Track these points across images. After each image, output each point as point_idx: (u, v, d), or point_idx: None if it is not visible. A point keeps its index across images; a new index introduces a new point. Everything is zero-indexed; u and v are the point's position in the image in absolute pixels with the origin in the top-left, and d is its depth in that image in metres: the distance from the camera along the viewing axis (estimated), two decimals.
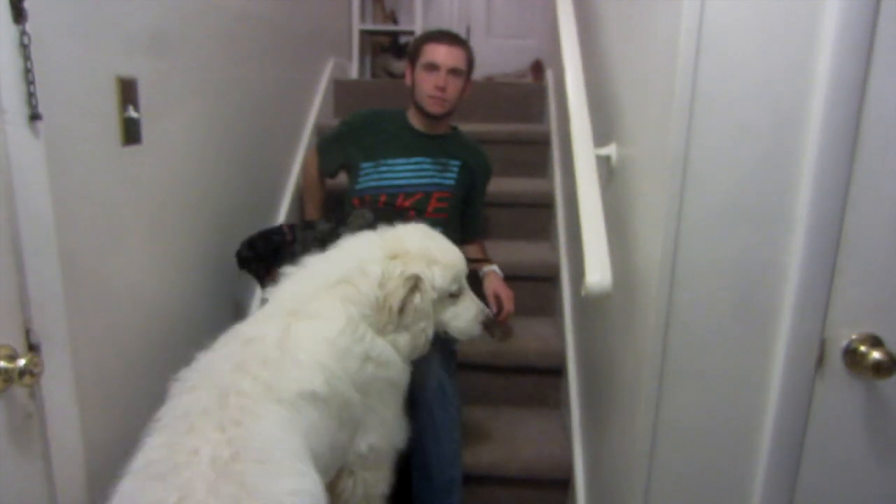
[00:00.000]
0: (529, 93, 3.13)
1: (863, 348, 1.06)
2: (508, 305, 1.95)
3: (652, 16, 1.24)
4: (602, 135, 1.56)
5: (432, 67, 1.93)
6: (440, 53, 1.92)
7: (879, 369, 1.03)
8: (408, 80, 2.03)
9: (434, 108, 1.98)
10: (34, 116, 0.96)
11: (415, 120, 2.08)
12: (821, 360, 1.10)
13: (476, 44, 2.12)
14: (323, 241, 1.75)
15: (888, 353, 1.04)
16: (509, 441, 1.91)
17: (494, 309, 1.96)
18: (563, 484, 1.85)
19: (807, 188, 1.05)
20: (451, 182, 2.06)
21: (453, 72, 1.94)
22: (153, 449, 1.00)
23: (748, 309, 1.12)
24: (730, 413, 1.17)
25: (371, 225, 1.81)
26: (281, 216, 2.38)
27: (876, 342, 1.06)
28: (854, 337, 1.08)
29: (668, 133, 1.08)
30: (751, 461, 1.18)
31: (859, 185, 1.03)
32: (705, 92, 1.05)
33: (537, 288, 2.30)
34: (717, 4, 1.02)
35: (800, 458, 1.14)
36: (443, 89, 1.94)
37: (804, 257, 1.06)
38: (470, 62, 1.99)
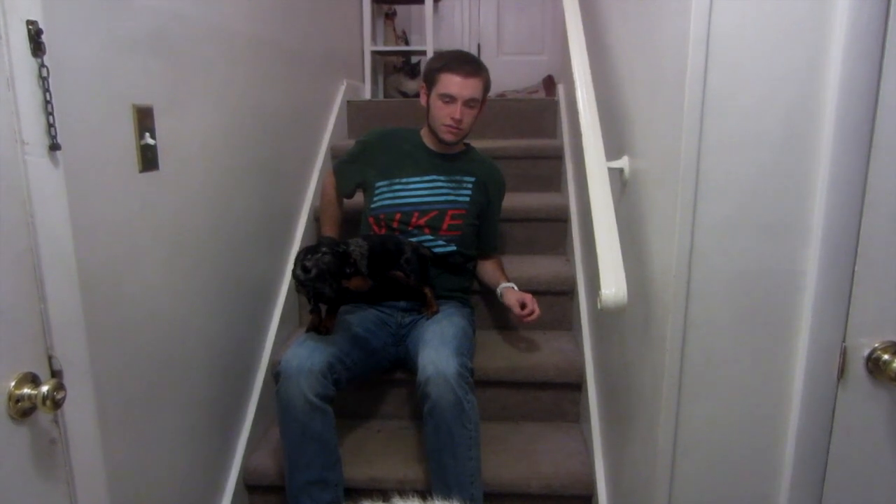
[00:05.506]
0: (542, 108, 3.13)
1: (886, 356, 1.05)
2: (532, 305, 1.95)
3: (660, 28, 1.24)
4: (614, 148, 1.56)
5: (448, 98, 1.93)
6: (456, 85, 1.91)
7: None
8: (422, 102, 2.04)
9: (448, 137, 1.99)
10: (54, 147, 0.98)
11: (428, 139, 2.09)
12: (843, 370, 1.09)
13: (487, 61, 2.12)
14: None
15: None
16: (529, 457, 1.90)
17: (522, 314, 1.94)
18: (586, 500, 1.83)
19: (821, 196, 1.04)
20: (466, 199, 2.07)
21: (469, 102, 1.94)
22: None
23: (766, 319, 1.11)
24: (751, 425, 1.16)
25: (366, 256, 1.81)
26: (297, 237, 2.40)
27: None
28: (876, 345, 1.06)
29: (680, 144, 1.08)
30: (774, 474, 1.16)
31: (875, 191, 1.02)
32: (715, 102, 1.05)
33: (554, 302, 2.29)
34: (724, 15, 1.02)
35: (825, 470, 1.13)
36: (459, 120, 1.94)
37: (821, 266, 1.05)
38: (486, 88, 1.98)
